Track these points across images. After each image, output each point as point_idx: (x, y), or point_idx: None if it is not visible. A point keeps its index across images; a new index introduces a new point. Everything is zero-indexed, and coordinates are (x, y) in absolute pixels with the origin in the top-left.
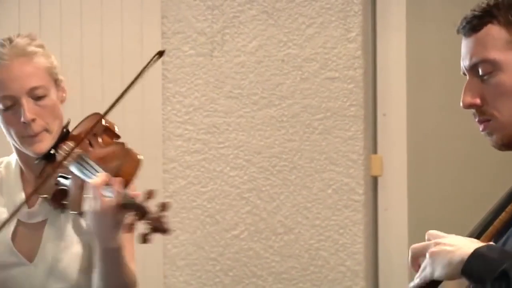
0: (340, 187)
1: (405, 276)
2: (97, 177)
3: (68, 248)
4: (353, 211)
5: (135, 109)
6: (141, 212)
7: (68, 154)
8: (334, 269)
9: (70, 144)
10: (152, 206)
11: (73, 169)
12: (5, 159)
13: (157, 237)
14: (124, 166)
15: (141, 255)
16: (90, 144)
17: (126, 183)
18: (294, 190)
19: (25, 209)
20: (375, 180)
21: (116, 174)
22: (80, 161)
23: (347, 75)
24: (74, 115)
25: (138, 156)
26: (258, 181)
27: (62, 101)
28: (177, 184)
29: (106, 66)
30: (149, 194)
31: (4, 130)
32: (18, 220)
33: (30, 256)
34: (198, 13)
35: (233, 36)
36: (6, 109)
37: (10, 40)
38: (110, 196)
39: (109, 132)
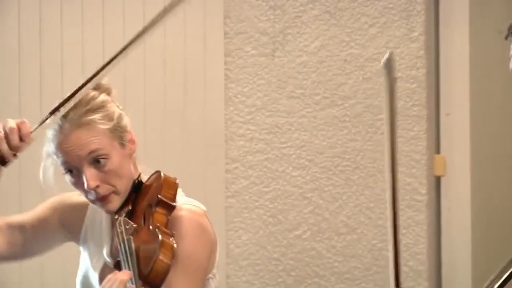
0: (403, 187)
1: (468, 276)
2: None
3: None
4: (416, 211)
5: (198, 110)
6: None
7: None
8: None
9: (124, 221)
10: None
11: (120, 252)
12: None
13: (219, 237)
14: (155, 265)
15: None
16: (144, 219)
17: (159, 282)
18: (357, 190)
19: (108, 257)
20: (438, 180)
21: (147, 273)
22: (124, 249)
23: (410, 74)
24: (136, 114)
25: (173, 245)
26: (321, 181)
27: (131, 154)
28: (240, 184)
29: (168, 67)
30: None
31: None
32: (105, 264)
33: None
34: (260, 13)
35: (295, 36)
36: (71, 173)
37: (71, 109)
38: None
39: (163, 204)
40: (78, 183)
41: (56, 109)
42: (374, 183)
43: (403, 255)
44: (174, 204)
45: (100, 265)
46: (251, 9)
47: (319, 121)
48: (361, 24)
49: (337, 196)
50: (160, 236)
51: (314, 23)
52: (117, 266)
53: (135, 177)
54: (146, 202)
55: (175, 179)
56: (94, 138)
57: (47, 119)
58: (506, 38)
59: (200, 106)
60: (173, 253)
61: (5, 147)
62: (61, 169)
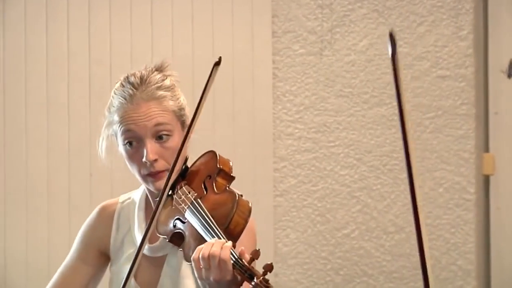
0: (452, 186)
1: None
2: (210, 247)
3: (183, 284)
4: (464, 210)
5: (246, 109)
6: (248, 275)
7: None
8: (445, 268)
9: (186, 189)
10: (257, 269)
11: (188, 215)
12: (132, 195)
13: (267, 236)
14: (234, 217)
15: None
16: (205, 188)
17: (237, 235)
18: (405, 189)
19: (147, 244)
20: (487, 178)
21: (227, 225)
22: (194, 208)
23: (459, 73)
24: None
25: (249, 204)
26: (369, 180)
27: (188, 140)
28: (288, 183)
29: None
30: (254, 255)
31: (128, 164)
32: (143, 255)
33: None
34: (308, 12)
35: (344, 34)
36: (130, 145)
37: (142, 81)
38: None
39: (224, 174)
40: (134, 156)
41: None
42: (422, 182)
43: (451, 254)
44: (232, 175)
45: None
46: (299, 8)
47: (368, 119)
48: (409, 23)
49: (385, 195)
50: (236, 193)
51: (362, 22)
52: (175, 238)
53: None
54: (203, 175)
55: (229, 159)
56: (163, 112)
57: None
58: (509, 77)
59: (249, 105)
60: (249, 211)
61: None
62: (116, 142)
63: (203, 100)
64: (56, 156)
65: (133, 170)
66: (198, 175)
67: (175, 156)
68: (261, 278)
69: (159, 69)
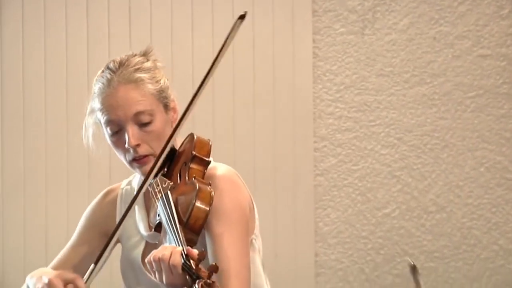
0: (493, 165)
1: None
2: (162, 252)
3: None
4: (506, 190)
5: (286, 88)
6: (193, 278)
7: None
8: (486, 248)
9: (161, 179)
10: (202, 270)
11: (159, 208)
12: (133, 181)
13: (308, 215)
14: (194, 211)
15: (292, 234)
16: (180, 176)
17: (198, 228)
18: (446, 169)
19: (146, 232)
20: None
21: (186, 220)
22: (164, 201)
23: (500, 52)
24: (226, 93)
25: (211, 194)
26: (410, 159)
27: (173, 121)
28: (328, 163)
29: (257, 46)
30: (200, 256)
31: (115, 151)
32: (146, 242)
33: None
34: None
35: (384, 13)
36: (113, 134)
37: (121, 64)
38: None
39: (198, 160)
40: (118, 142)
41: (99, 258)
42: (463, 161)
43: (492, 234)
44: (208, 159)
45: (140, 250)
46: None
47: (408, 99)
48: (450, 2)
49: (426, 175)
50: (197, 184)
51: (403, 1)
52: (159, 227)
53: (175, 145)
54: (181, 162)
55: (209, 140)
56: (142, 99)
57: (94, 268)
58: None
59: (289, 85)
60: (211, 200)
61: None
62: (101, 129)
63: (220, 56)
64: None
65: (120, 157)
66: (179, 162)
67: (158, 139)
68: (202, 282)
69: (143, 54)
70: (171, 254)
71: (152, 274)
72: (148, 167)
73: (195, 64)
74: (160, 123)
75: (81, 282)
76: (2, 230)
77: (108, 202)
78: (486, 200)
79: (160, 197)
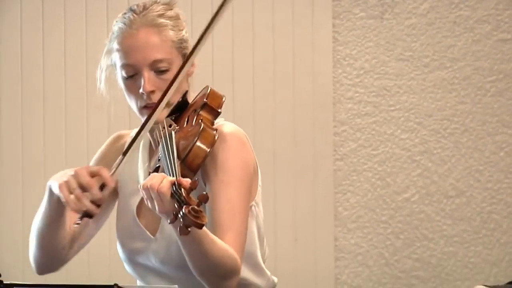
0: None
1: None
2: (151, 180)
3: None
4: None
5: (306, 72)
6: (180, 204)
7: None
8: (506, 232)
9: (168, 121)
10: (191, 198)
11: (160, 148)
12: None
13: (328, 200)
14: (194, 148)
15: (312, 218)
16: (187, 121)
17: (196, 167)
18: (466, 153)
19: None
20: None
21: (184, 157)
22: (167, 141)
23: None
24: (246, 77)
25: (215, 137)
26: (429, 143)
27: (189, 75)
28: (348, 147)
29: (277, 30)
30: (192, 185)
31: (126, 97)
32: (141, 200)
33: (154, 230)
34: None
35: None
36: (128, 77)
37: (144, 8)
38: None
39: (208, 108)
40: (132, 87)
41: (129, 148)
42: (483, 146)
43: None
44: (219, 110)
45: (137, 200)
46: None
47: (428, 83)
48: None
49: (446, 159)
50: (202, 125)
51: None
52: (156, 171)
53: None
54: (191, 110)
55: (223, 95)
56: (162, 45)
57: (122, 160)
58: None
59: (309, 69)
60: (213, 142)
61: (87, 203)
62: (115, 71)
63: (213, 23)
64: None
65: (131, 103)
66: (188, 110)
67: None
68: (190, 208)
69: (167, 3)
70: (161, 181)
71: (148, 203)
72: (159, 116)
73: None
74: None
75: (106, 172)
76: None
77: (116, 147)
78: (506, 184)
79: (163, 136)
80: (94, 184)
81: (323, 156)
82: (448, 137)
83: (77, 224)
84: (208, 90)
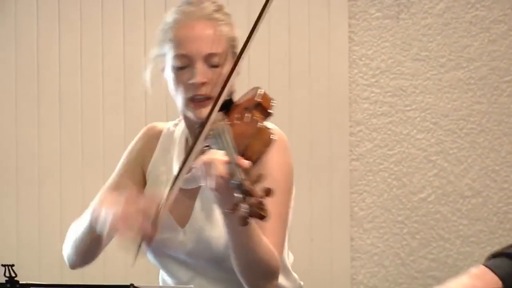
0: None
1: None
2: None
3: (216, 217)
4: None
5: (322, 72)
6: (244, 194)
7: (210, 126)
8: None
9: (219, 116)
10: (257, 190)
11: (212, 141)
12: (181, 122)
13: (344, 200)
14: (252, 144)
15: (328, 218)
16: (239, 119)
17: (252, 161)
18: (482, 153)
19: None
20: None
21: (242, 150)
22: (219, 134)
23: None
24: (261, 77)
25: (271, 136)
26: (445, 143)
27: (238, 73)
28: (364, 147)
29: (292, 30)
30: (258, 178)
31: (173, 89)
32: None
33: (182, 222)
34: None
35: None
36: (180, 68)
37: (201, 1)
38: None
39: (261, 108)
40: (181, 77)
41: (177, 177)
42: (499, 146)
43: None
44: (271, 111)
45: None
46: None
47: (444, 83)
48: None
49: (462, 159)
50: (260, 124)
51: None
52: None
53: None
54: (240, 107)
55: (273, 98)
56: (217, 39)
57: (173, 186)
58: None
59: (324, 69)
60: (269, 143)
61: (140, 237)
62: (166, 62)
63: (258, 25)
64: (133, 120)
65: (177, 95)
66: (238, 108)
67: (222, 84)
68: (257, 199)
69: (216, 1)
70: (219, 161)
71: (201, 179)
72: (202, 110)
73: None
74: (227, 70)
75: (156, 205)
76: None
77: (149, 137)
78: None
79: (215, 131)
80: (146, 220)
81: (339, 156)
82: (464, 137)
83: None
84: (261, 91)
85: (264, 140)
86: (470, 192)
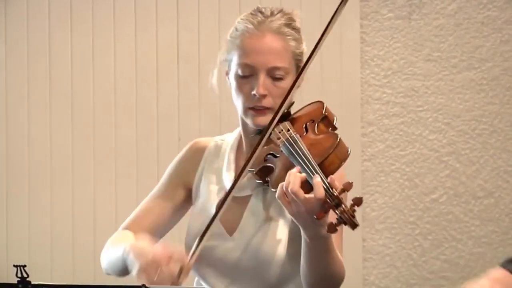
0: None
1: None
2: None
3: (267, 227)
4: None
5: (334, 73)
6: (335, 204)
7: (280, 133)
8: None
9: (287, 125)
10: (346, 199)
11: (284, 149)
12: (226, 136)
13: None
14: (331, 156)
15: None
16: (306, 129)
17: (330, 173)
18: (494, 154)
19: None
20: None
21: (321, 162)
22: (292, 143)
23: None
24: None
25: (348, 151)
26: (458, 144)
27: (298, 86)
28: (376, 148)
29: (304, 31)
30: (346, 187)
31: (234, 94)
32: (225, 194)
33: (232, 229)
34: None
35: None
36: (243, 76)
37: (272, 13)
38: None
39: (327, 121)
40: (244, 86)
41: (202, 236)
42: (511, 147)
43: None
44: (336, 125)
45: (216, 201)
46: None
47: (456, 84)
48: None
49: (474, 160)
50: (338, 137)
51: None
52: (262, 171)
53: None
54: (304, 118)
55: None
56: (283, 54)
57: (199, 244)
58: None
59: (336, 70)
60: (346, 157)
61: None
62: (231, 68)
63: (323, 38)
64: (144, 121)
65: (238, 101)
66: (301, 119)
67: (282, 98)
68: (350, 207)
69: (290, 13)
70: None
71: (288, 208)
72: (262, 119)
73: None
74: (290, 82)
75: (185, 258)
76: (29, 222)
77: (193, 153)
78: None
79: (286, 140)
80: (174, 273)
81: (351, 157)
82: (476, 137)
83: None
84: (325, 105)
85: (342, 153)
86: (482, 193)
